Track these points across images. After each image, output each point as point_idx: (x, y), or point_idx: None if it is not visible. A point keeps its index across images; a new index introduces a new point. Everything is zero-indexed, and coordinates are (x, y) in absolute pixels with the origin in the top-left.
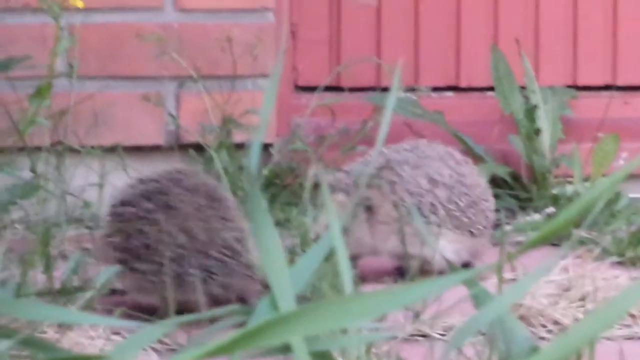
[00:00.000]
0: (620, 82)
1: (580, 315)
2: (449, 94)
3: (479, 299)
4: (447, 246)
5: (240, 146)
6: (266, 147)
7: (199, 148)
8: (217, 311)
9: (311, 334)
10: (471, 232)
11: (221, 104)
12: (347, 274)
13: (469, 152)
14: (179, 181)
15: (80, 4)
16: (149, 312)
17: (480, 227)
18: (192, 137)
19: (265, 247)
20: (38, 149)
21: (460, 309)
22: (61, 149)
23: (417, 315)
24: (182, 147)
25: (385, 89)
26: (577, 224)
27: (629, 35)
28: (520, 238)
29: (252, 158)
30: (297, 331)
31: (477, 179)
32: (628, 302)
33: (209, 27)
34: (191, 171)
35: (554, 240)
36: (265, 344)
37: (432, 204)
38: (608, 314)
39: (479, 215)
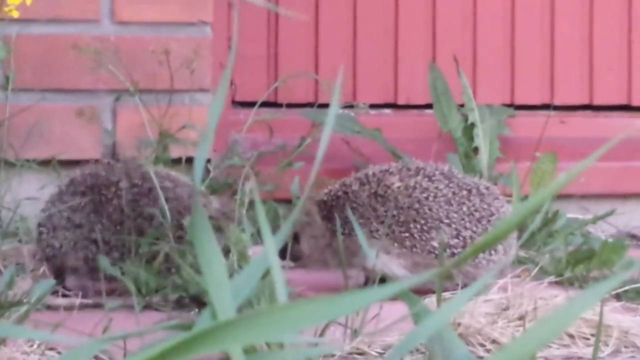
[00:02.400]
0: (557, 101)
1: (518, 335)
2: (387, 111)
3: (418, 316)
4: (391, 261)
5: (177, 161)
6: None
7: None
8: (156, 327)
9: (248, 342)
10: (429, 252)
11: (158, 118)
12: (281, 288)
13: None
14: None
15: (15, 14)
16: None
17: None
18: (129, 152)
19: (207, 261)
20: None
21: (399, 327)
22: None
23: (355, 333)
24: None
25: (322, 106)
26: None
27: (566, 55)
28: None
29: (196, 173)
30: (234, 339)
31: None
32: (563, 321)
33: (146, 40)
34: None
35: None
36: (200, 352)
37: (380, 221)
38: (544, 332)
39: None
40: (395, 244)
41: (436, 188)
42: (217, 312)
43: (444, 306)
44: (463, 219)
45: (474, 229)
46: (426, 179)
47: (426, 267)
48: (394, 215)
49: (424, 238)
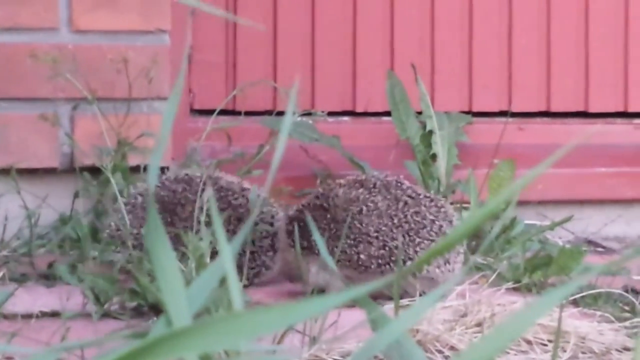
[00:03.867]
0: (515, 108)
1: (477, 341)
2: (346, 118)
3: (376, 323)
4: (319, 273)
5: (135, 169)
6: (162, 170)
7: (94, 171)
8: (114, 335)
9: (203, 350)
10: (359, 266)
11: (116, 126)
12: (237, 296)
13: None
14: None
15: None
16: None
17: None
18: (87, 160)
19: (162, 268)
20: None
21: (358, 335)
22: None
23: (313, 340)
24: (78, 171)
25: (281, 113)
26: (474, 250)
27: (523, 62)
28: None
29: (150, 181)
30: (190, 347)
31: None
32: (520, 326)
33: (104, 48)
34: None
35: None
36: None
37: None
38: (501, 338)
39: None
40: (334, 260)
41: (372, 201)
42: (172, 319)
43: (403, 314)
44: (392, 231)
45: (403, 240)
46: (366, 192)
47: (359, 281)
48: (331, 230)
49: (353, 252)
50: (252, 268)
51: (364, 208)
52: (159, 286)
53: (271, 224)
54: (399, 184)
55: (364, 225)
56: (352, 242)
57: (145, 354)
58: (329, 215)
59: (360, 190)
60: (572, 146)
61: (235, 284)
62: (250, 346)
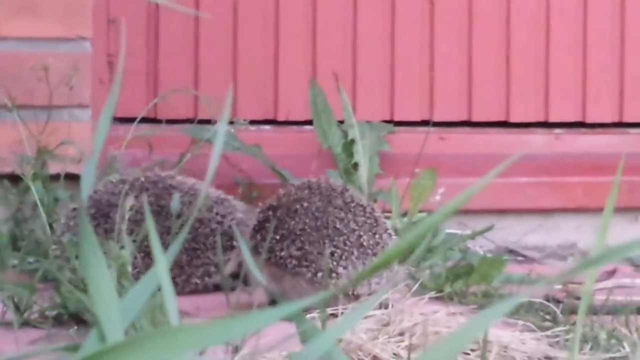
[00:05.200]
0: (436, 117)
1: (400, 350)
2: (267, 127)
3: (305, 335)
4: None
5: (55, 177)
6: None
7: (13, 179)
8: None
9: None
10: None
11: (36, 134)
12: (172, 307)
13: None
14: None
15: None
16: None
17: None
18: (7, 168)
19: (94, 279)
20: None
21: (280, 345)
22: None
23: (236, 350)
24: None
25: (202, 121)
26: (402, 260)
27: (445, 71)
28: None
29: (83, 189)
30: None
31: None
32: (460, 342)
33: (24, 55)
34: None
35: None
36: None
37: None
38: (440, 354)
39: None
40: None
41: (308, 202)
42: (105, 334)
43: (334, 325)
44: (311, 233)
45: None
46: (309, 193)
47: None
48: (279, 230)
49: (277, 249)
50: (198, 267)
51: (299, 207)
52: (91, 298)
53: (220, 222)
54: (344, 191)
55: (292, 224)
56: (279, 239)
57: None
58: (278, 215)
59: (306, 192)
60: (523, 155)
61: (170, 297)
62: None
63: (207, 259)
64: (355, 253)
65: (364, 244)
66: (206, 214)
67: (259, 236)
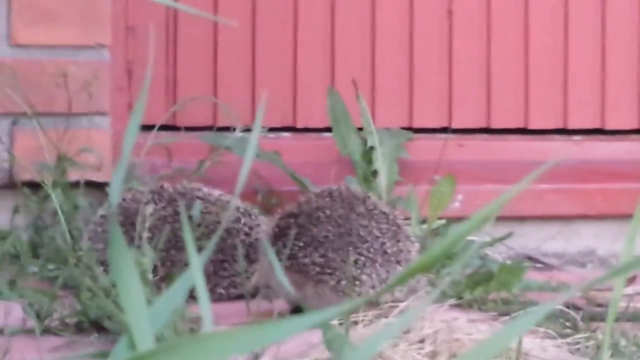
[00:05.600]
0: (455, 124)
1: (420, 357)
2: (286, 134)
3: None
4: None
5: (75, 184)
6: (102, 186)
7: (33, 186)
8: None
9: None
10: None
11: (56, 141)
12: (207, 314)
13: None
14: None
15: None
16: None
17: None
18: (27, 175)
19: (125, 285)
20: None
21: (302, 353)
22: None
23: (257, 358)
24: (17, 186)
25: (221, 129)
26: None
27: (464, 78)
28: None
29: (112, 196)
30: None
31: None
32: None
33: (44, 63)
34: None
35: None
36: None
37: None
38: None
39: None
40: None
41: (330, 209)
42: (135, 341)
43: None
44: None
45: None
46: (330, 201)
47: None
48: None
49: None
50: (225, 277)
51: (321, 215)
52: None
53: (247, 234)
54: (365, 198)
55: (315, 231)
56: (302, 246)
57: None
58: (299, 222)
59: (327, 199)
60: (551, 164)
61: (205, 303)
62: None
63: (233, 270)
64: (379, 260)
65: (388, 251)
66: (234, 225)
67: (280, 243)
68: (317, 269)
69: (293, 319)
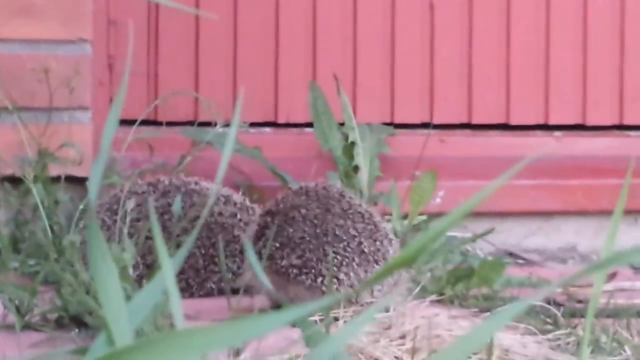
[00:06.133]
0: (436, 120)
1: (401, 354)
2: (268, 129)
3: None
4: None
5: (56, 179)
6: (83, 180)
7: (14, 181)
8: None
9: None
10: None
11: (37, 136)
12: (178, 311)
13: (287, 188)
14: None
15: None
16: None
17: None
18: (7, 170)
19: (103, 281)
20: None
21: (282, 348)
22: None
23: (237, 353)
24: None
25: (203, 124)
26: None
27: (445, 73)
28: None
29: (91, 192)
30: None
31: None
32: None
33: (25, 57)
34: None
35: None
36: None
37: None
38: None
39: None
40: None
41: (306, 208)
42: (114, 337)
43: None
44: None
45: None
46: (306, 199)
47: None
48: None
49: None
50: (215, 272)
51: (297, 214)
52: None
53: (243, 229)
54: (341, 197)
55: (291, 231)
56: (278, 247)
57: None
58: (276, 221)
59: (303, 197)
60: (530, 160)
61: (176, 301)
62: None
63: (226, 264)
64: (357, 260)
65: (365, 250)
66: (227, 220)
67: (260, 243)
68: (295, 270)
69: (271, 315)
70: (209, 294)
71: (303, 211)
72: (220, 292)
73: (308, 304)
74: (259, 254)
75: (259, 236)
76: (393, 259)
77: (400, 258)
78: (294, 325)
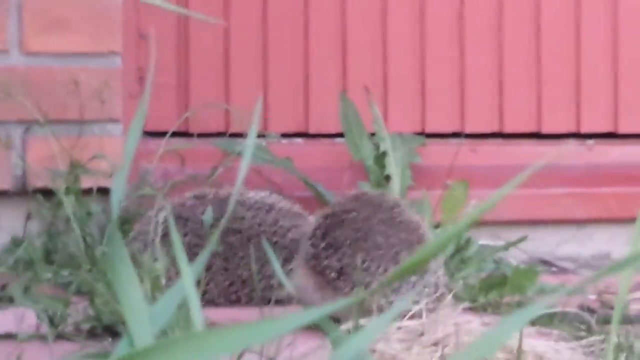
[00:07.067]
0: (468, 129)
1: None
2: (299, 140)
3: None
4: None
5: (88, 191)
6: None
7: (46, 193)
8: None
9: None
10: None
11: (68, 148)
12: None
13: (319, 198)
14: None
15: None
16: None
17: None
18: (39, 182)
19: (124, 288)
20: None
21: (315, 356)
22: None
23: None
24: (30, 193)
25: (234, 135)
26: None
27: (476, 83)
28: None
29: (114, 202)
30: None
31: None
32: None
33: (55, 70)
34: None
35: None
36: None
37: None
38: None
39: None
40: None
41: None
42: (134, 340)
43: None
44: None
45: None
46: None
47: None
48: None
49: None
50: (261, 280)
51: (346, 217)
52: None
53: (283, 236)
54: (394, 205)
55: (337, 234)
56: (324, 247)
57: None
58: (327, 223)
59: (356, 203)
60: (555, 166)
61: (195, 304)
62: None
63: (270, 271)
64: (390, 269)
65: (400, 261)
66: (271, 228)
67: (310, 244)
68: (334, 274)
69: (293, 314)
70: (258, 304)
71: (352, 215)
72: (269, 302)
73: (331, 305)
74: (309, 255)
75: (310, 238)
76: (405, 262)
77: (413, 260)
78: (321, 328)
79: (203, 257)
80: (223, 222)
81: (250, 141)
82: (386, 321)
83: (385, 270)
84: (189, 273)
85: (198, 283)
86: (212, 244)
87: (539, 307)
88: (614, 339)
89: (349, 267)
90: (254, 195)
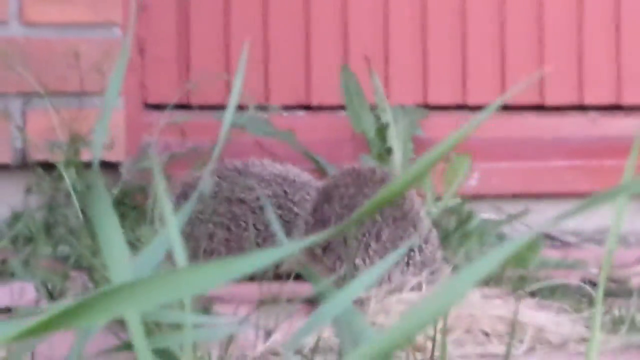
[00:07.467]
0: (470, 102)
1: (433, 332)
2: (300, 112)
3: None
4: None
5: (88, 164)
6: (115, 166)
7: (46, 166)
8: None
9: (145, 306)
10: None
11: (69, 121)
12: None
13: (320, 171)
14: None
15: None
16: None
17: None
18: (40, 155)
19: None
20: None
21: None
22: None
23: (268, 335)
24: (30, 166)
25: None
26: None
27: (478, 55)
28: None
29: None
30: (131, 303)
31: None
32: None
33: (54, 41)
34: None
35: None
36: (94, 318)
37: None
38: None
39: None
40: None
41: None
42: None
43: (348, 285)
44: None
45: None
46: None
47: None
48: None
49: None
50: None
51: (335, 193)
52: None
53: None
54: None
55: (326, 210)
56: (314, 224)
57: (82, 311)
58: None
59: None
60: (558, 139)
61: (180, 252)
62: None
63: (272, 244)
64: (373, 245)
65: (383, 237)
66: (278, 200)
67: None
68: (319, 250)
69: (266, 251)
70: (276, 277)
71: (341, 190)
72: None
73: (323, 232)
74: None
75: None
76: (368, 203)
77: (377, 199)
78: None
79: (188, 207)
80: (225, 193)
81: (230, 109)
82: (373, 276)
83: (368, 246)
84: (173, 223)
85: (201, 252)
86: (191, 203)
87: (490, 262)
88: (598, 307)
89: (334, 243)
90: (273, 167)
